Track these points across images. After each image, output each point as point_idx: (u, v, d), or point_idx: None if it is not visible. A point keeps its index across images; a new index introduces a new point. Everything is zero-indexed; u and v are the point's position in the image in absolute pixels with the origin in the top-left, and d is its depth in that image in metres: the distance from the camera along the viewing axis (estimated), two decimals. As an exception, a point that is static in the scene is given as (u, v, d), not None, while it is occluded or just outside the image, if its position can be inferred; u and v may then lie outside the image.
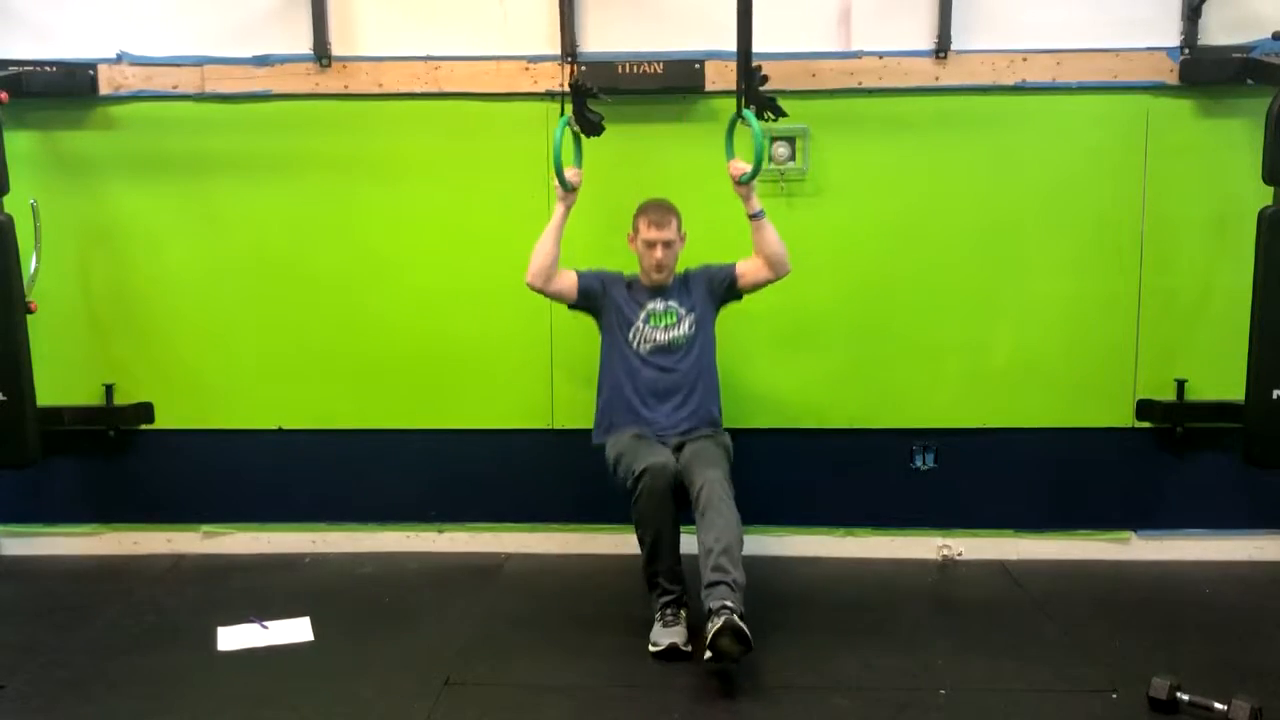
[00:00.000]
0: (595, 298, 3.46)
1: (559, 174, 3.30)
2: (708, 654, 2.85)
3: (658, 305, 3.44)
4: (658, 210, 3.41)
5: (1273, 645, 3.24)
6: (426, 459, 3.98)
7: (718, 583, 2.95)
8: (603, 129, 3.35)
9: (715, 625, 2.83)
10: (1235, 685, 2.79)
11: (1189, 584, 3.73)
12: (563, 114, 3.33)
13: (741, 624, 2.82)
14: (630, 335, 3.43)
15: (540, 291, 3.41)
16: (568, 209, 3.38)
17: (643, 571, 3.24)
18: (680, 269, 3.50)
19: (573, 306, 3.50)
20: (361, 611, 3.51)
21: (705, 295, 3.47)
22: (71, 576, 3.85)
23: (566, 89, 3.35)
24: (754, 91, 3.29)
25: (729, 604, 2.88)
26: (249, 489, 4.01)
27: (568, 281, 3.43)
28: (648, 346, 3.42)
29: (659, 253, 3.38)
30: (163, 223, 3.85)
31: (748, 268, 3.43)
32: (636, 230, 3.44)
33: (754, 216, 3.35)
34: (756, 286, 3.45)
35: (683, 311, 3.44)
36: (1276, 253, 3.28)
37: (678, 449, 3.33)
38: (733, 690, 2.94)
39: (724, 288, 3.46)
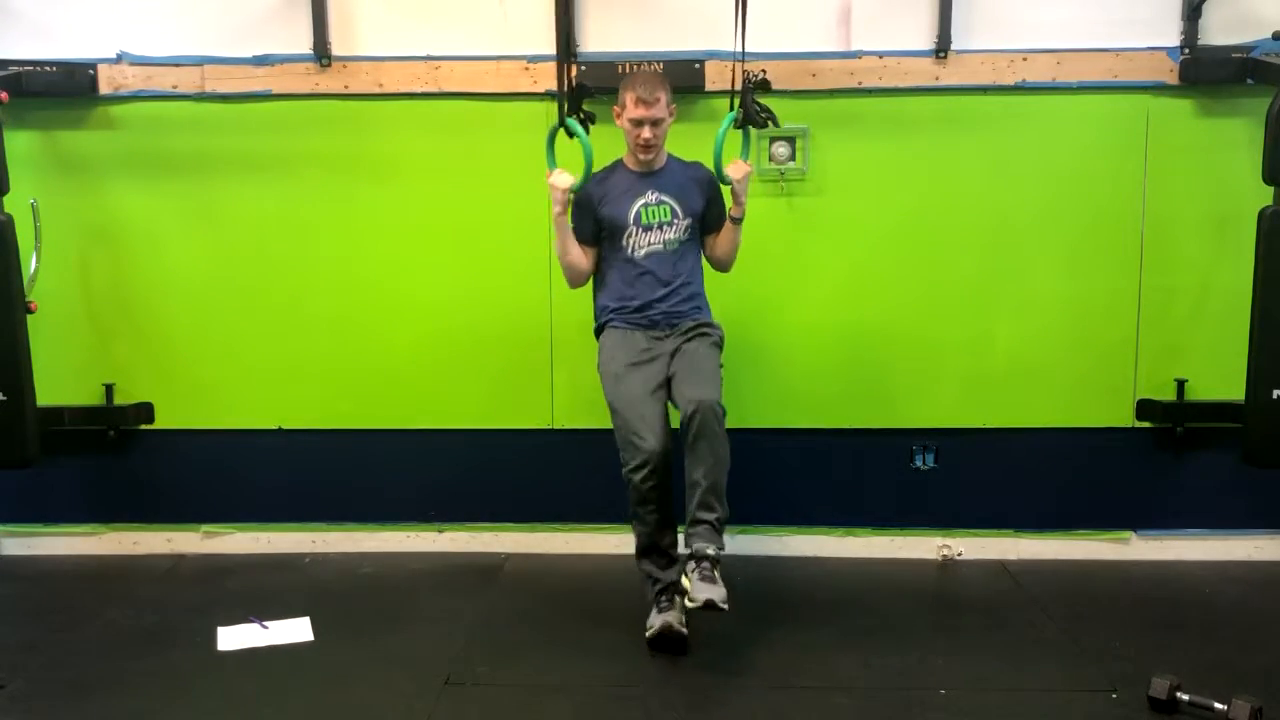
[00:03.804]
0: (598, 233, 3.29)
1: (588, 173, 3.22)
2: (688, 604, 2.94)
3: (650, 198, 3.24)
4: (645, 85, 3.17)
5: (1273, 645, 3.24)
6: (426, 459, 3.98)
7: (703, 521, 3.01)
8: (588, 128, 3.31)
9: (699, 597, 2.89)
10: (1235, 685, 2.78)
11: (1189, 584, 3.73)
12: (570, 114, 3.27)
13: (721, 603, 2.89)
14: (624, 242, 3.24)
15: (579, 285, 3.37)
16: (565, 209, 3.26)
17: (636, 561, 3.25)
18: (690, 157, 3.35)
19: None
20: (361, 611, 3.51)
21: (700, 208, 3.30)
22: (71, 576, 3.85)
23: (569, 89, 3.32)
24: (745, 97, 3.28)
25: (710, 553, 2.96)
26: (249, 489, 4.01)
27: (590, 258, 3.31)
28: (642, 252, 3.24)
29: (646, 132, 3.18)
30: (163, 223, 3.85)
31: (710, 239, 3.36)
32: (623, 105, 3.21)
33: (732, 219, 3.30)
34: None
35: (679, 210, 3.25)
36: (1276, 253, 3.28)
37: (673, 355, 3.23)
38: (733, 689, 2.95)
39: (706, 219, 3.33)
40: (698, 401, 3.05)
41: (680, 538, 3.18)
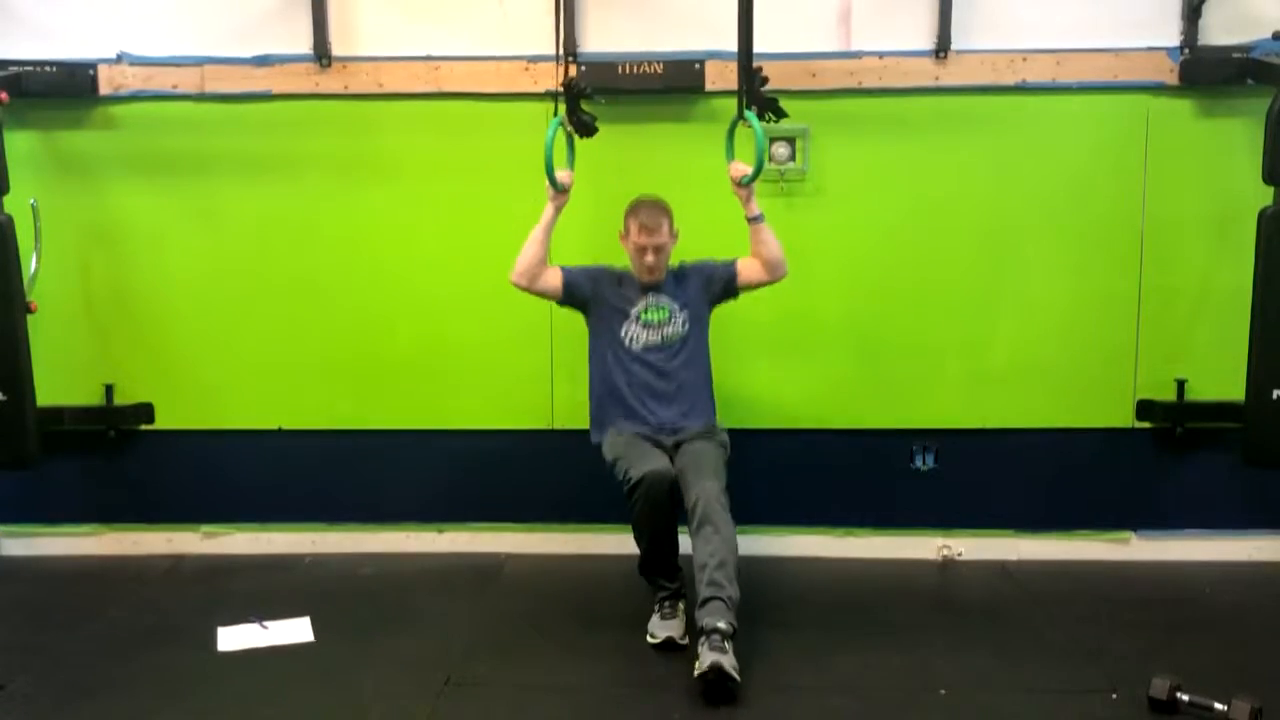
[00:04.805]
0: (583, 296, 3.42)
1: (550, 174, 3.26)
2: (696, 672, 2.85)
3: (649, 300, 3.38)
4: (649, 213, 3.35)
5: (1273, 645, 3.24)
6: (426, 459, 3.98)
7: (713, 598, 2.96)
8: (595, 130, 3.34)
9: (705, 663, 2.82)
10: (1235, 685, 2.78)
11: (1189, 584, 3.73)
12: (556, 114, 3.32)
13: (731, 669, 2.82)
14: (623, 333, 3.38)
15: (526, 290, 3.37)
16: (558, 210, 3.33)
17: (639, 570, 3.28)
18: (675, 261, 3.45)
19: (562, 303, 3.46)
20: (361, 611, 3.51)
21: (701, 292, 3.43)
22: (71, 576, 3.85)
23: (560, 89, 3.34)
24: (755, 92, 3.28)
25: (721, 626, 2.89)
26: (249, 489, 4.01)
27: (553, 280, 3.37)
28: (640, 345, 3.37)
29: (650, 257, 3.34)
30: (163, 223, 3.85)
31: (746, 268, 3.40)
32: (628, 231, 3.39)
33: (753, 220, 3.33)
34: (753, 287, 3.43)
35: (676, 308, 3.38)
36: (1276, 253, 3.28)
37: (675, 447, 3.32)
38: (733, 690, 2.94)
39: (721, 287, 3.43)
40: (701, 488, 3.11)
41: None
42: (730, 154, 3.40)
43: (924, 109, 3.74)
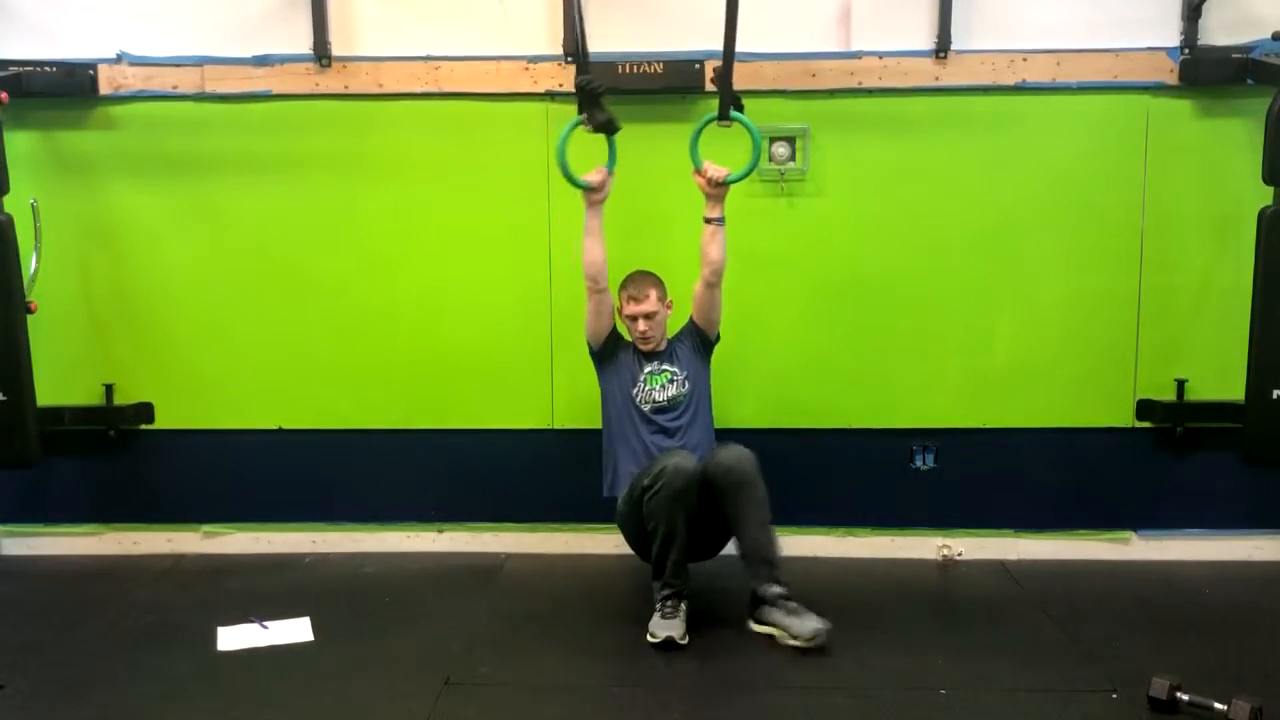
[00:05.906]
0: (612, 348, 3.50)
1: (566, 175, 3.28)
2: (791, 641, 3.11)
3: (653, 368, 3.48)
4: (636, 284, 3.44)
5: (1273, 645, 3.23)
6: (426, 459, 3.98)
7: (763, 561, 3.20)
8: (618, 126, 3.34)
9: (806, 630, 3.08)
10: (1235, 685, 2.78)
11: (1189, 584, 3.73)
12: (580, 112, 3.32)
13: (820, 626, 3.09)
14: (634, 392, 3.47)
15: (591, 288, 3.40)
16: (593, 208, 3.37)
17: (652, 563, 3.28)
18: (672, 331, 3.55)
19: (599, 346, 3.50)
20: (361, 611, 3.50)
21: (691, 353, 3.51)
22: (71, 576, 3.85)
23: (573, 89, 3.33)
24: (729, 89, 3.28)
25: (776, 590, 3.17)
26: (249, 489, 4.01)
27: (609, 307, 3.45)
28: (648, 406, 3.45)
29: (642, 325, 3.42)
30: (163, 223, 3.85)
31: (695, 303, 3.48)
32: (621, 305, 3.47)
33: (716, 220, 3.36)
34: (712, 311, 3.47)
35: (676, 372, 3.48)
36: (1276, 253, 3.28)
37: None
38: (733, 689, 2.94)
39: (698, 337, 3.52)
40: (734, 456, 3.24)
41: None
42: (696, 154, 3.38)
43: (924, 109, 3.74)
